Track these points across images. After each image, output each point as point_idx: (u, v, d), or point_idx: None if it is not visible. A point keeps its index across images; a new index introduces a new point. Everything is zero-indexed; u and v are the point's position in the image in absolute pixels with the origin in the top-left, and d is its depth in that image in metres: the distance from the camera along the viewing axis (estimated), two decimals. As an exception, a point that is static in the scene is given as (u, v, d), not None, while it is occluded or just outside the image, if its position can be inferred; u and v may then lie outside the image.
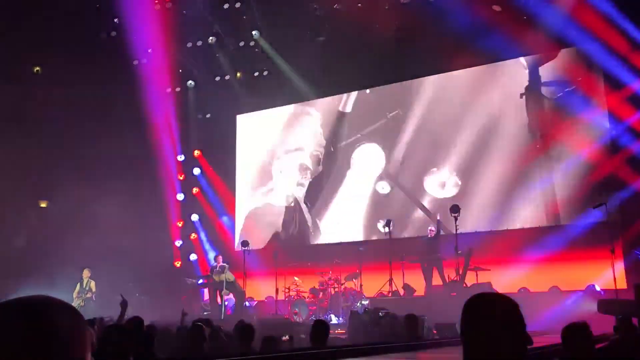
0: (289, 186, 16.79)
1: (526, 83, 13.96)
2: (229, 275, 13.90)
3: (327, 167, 16.29)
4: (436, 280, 12.27)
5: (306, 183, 16.54)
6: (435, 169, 14.54)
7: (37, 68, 16.84)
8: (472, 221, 13.32)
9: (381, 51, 14.85)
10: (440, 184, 14.33)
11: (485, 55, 13.65)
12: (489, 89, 14.41)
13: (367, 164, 15.53)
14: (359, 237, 15.12)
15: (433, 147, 14.76)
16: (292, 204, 16.62)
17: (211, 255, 16.71)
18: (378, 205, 15.12)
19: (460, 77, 14.87)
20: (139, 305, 13.78)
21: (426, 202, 14.54)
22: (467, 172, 14.20)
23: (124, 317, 6.37)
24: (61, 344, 0.99)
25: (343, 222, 15.47)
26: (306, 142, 16.78)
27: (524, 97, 13.66)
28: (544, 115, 13.70)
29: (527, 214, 13.38)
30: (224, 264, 14.27)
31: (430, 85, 15.25)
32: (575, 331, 3.85)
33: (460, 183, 14.13)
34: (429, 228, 12.94)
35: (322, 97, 16.49)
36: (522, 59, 14.07)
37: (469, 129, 14.28)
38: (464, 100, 14.63)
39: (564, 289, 11.57)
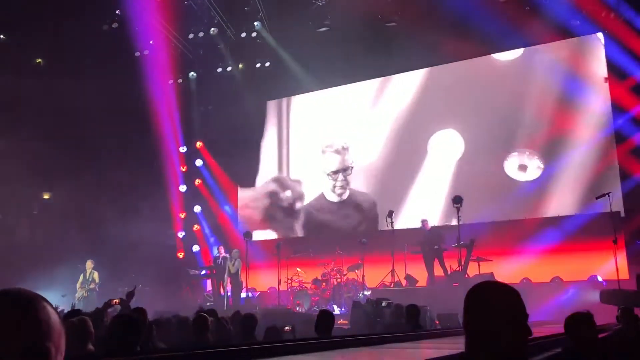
0: (307, 178, 16.79)
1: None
2: (237, 264, 13.95)
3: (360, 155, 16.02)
4: (437, 272, 12.28)
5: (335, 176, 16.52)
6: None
7: (39, 60, 16.82)
8: (474, 212, 13.27)
9: (383, 40, 14.80)
10: (521, 167, 13.81)
11: (483, 44, 13.65)
12: (490, 81, 14.39)
13: (447, 149, 14.70)
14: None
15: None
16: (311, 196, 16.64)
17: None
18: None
19: (442, 70, 14.86)
20: (142, 296, 13.85)
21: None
22: (472, 161, 14.19)
23: (129, 306, 6.39)
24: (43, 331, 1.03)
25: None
26: (320, 132, 16.75)
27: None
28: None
29: (529, 205, 13.35)
30: (226, 255, 14.30)
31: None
32: (579, 321, 3.85)
33: (542, 166, 13.47)
34: (422, 220, 12.88)
35: (324, 88, 16.45)
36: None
37: (476, 117, 14.29)
38: (466, 89, 14.61)
39: (566, 279, 11.58)
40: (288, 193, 16.75)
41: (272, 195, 16.99)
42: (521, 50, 14.19)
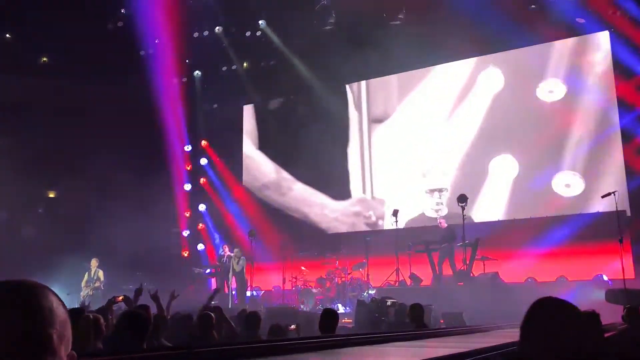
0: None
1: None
2: (241, 263, 13.96)
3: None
4: (446, 271, 12.23)
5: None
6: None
7: (45, 59, 16.87)
8: (480, 211, 13.25)
9: (388, 38, 14.77)
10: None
11: (493, 42, 13.60)
12: (490, 82, 14.34)
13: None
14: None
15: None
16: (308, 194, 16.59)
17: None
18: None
19: (453, 68, 14.80)
20: (147, 294, 13.86)
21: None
22: (479, 163, 14.14)
23: (136, 303, 6.39)
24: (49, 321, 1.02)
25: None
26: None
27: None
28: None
29: (534, 204, 13.29)
30: (231, 254, 14.31)
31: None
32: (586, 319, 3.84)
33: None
34: (439, 220, 12.85)
35: (330, 86, 16.40)
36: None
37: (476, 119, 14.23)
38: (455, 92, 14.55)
39: (571, 279, 11.53)
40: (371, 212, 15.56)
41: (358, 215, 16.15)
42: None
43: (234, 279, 14.10)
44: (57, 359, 1.01)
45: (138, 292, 6.84)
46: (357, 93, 14.93)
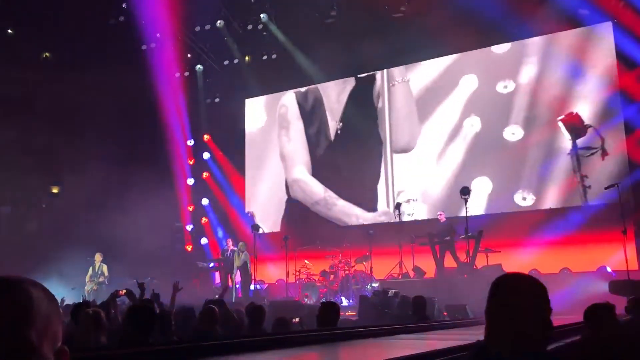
0: (290, 151, 16.69)
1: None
2: (243, 257, 13.99)
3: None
4: (448, 263, 12.24)
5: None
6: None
7: (47, 54, 16.87)
8: (483, 203, 13.22)
9: (390, 31, 14.73)
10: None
11: (490, 34, 13.54)
12: (494, 70, 14.29)
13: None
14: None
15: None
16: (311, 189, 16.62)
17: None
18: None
19: (458, 60, 14.73)
20: (151, 288, 13.92)
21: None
22: (479, 155, 14.12)
23: (143, 297, 6.42)
24: (39, 317, 0.97)
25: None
26: (318, 124, 16.70)
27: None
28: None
29: (538, 196, 13.26)
30: (234, 248, 14.35)
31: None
32: (601, 310, 3.85)
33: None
34: (438, 213, 12.87)
35: (331, 80, 16.39)
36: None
37: (477, 113, 14.18)
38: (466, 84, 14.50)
39: (575, 270, 11.53)
40: (297, 185, 16.63)
41: (281, 188, 16.96)
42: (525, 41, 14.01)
43: (237, 273, 14.14)
44: (38, 358, 0.94)
45: (141, 286, 6.87)
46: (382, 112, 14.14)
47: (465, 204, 11.45)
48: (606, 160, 12.55)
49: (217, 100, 18.19)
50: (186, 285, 14.53)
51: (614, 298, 7.92)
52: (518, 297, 1.74)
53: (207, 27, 16.68)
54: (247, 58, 17.46)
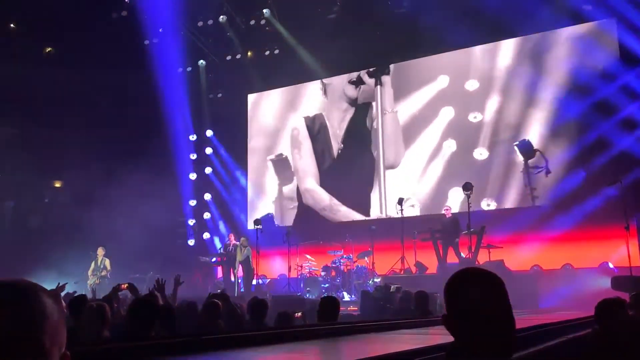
0: (302, 165, 16.80)
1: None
2: (245, 252, 14.02)
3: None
4: (450, 259, 12.25)
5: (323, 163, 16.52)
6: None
7: (50, 49, 16.88)
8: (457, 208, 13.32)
9: (392, 27, 14.72)
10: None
11: (497, 30, 13.51)
12: (494, 65, 14.27)
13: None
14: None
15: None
16: (306, 184, 16.65)
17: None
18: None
19: (463, 54, 14.75)
20: (154, 283, 13.95)
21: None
22: (454, 170, 14.13)
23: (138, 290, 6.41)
24: (49, 324, 1.00)
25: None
26: (323, 145, 16.72)
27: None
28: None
29: (498, 202, 13.32)
30: (237, 242, 14.37)
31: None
32: (612, 305, 3.86)
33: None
34: (444, 208, 12.87)
35: (334, 75, 16.37)
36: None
37: (479, 106, 14.20)
38: (473, 76, 14.51)
39: (577, 266, 11.54)
40: (299, 180, 16.73)
41: (282, 183, 16.99)
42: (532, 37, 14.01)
43: (239, 267, 14.17)
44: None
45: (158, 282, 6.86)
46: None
47: (468, 200, 11.46)
48: (609, 157, 12.53)
49: (219, 95, 18.19)
50: (188, 280, 14.63)
51: (616, 294, 7.93)
52: (467, 296, 1.59)
53: (210, 22, 16.68)
54: (249, 53, 17.46)
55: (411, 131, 14.19)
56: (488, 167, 12.99)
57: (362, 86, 15.49)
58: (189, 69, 17.76)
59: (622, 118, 12.62)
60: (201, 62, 17.77)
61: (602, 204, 11.98)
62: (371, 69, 15.49)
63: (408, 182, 14.28)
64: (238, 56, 17.36)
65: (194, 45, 17.28)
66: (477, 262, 11.49)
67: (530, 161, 11.62)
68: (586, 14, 13.05)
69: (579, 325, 4.43)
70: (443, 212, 12.85)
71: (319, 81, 16.60)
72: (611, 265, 11.00)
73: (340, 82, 16.11)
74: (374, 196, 15.20)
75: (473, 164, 13.02)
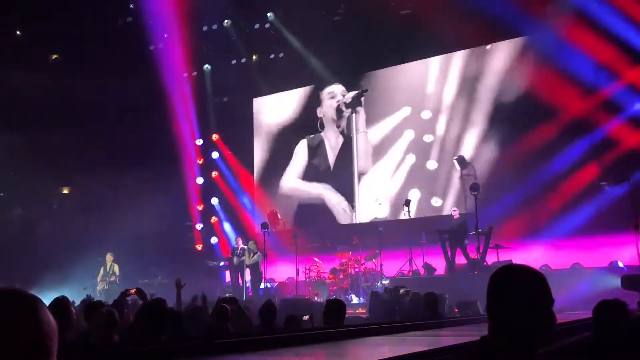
0: (311, 169, 16.83)
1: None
2: (255, 258, 14.00)
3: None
4: (458, 260, 12.22)
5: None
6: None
7: (55, 56, 16.98)
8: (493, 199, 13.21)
9: (397, 29, 14.74)
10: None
11: (502, 31, 13.49)
12: (502, 65, 14.25)
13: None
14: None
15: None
16: (314, 187, 16.68)
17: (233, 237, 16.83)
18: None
19: (473, 55, 14.75)
20: (161, 288, 13.99)
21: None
22: (485, 149, 14.11)
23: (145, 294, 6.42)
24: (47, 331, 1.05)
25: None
26: (325, 122, 16.79)
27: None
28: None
29: (443, 201, 13.34)
30: (244, 246, 14.39)
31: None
32: (609, 308, 3.81)
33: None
34: (452, 209, 12.87)
35: (339, 77, 16.38)
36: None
37: (431, 129, 14.96)
38: (480, 76, 14.50)
39: (586, 266, 11.47)
40: (306, 184, 16.78)
41: (289, 186, 17.03)
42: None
43: (247, 271, 14.18)
44: None
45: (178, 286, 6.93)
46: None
47: (475, 201, 11.44)
48: (617, 155, 12.47)
49: (225, 99, 18.23)
50: (197, 285, 14.63)
51: (626, 293, 7.88)
52: (517, 290, 1.70)
53: (214, 26, 16.73)
54: (254, 57, 17.49)
55: (382, 147, 15.89)
56: (437, 174, 14.82)
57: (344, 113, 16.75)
58: (194, 73, 17.80)
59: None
60: (206, 66, 17.82)
61: (611, 203, 11.91)
62: (347, 102, 16.49)
63: (379, 186, 15.76)
64: (243, 60, 17.40)
65: (199, 50, 17.32)
66: (485, 263, 11.46)
67: (464, 170, 13.31)
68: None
69: (584, 326, 4.39)
70: (451, 213, 12.84)
71: (323, 86, 16.68)
72: (621, 264, 10.92)
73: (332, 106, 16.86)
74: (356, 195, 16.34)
75: (426, 173, 14.92)
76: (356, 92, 16.12)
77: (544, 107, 13.08)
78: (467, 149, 14.45)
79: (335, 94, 16.69)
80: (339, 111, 16.65)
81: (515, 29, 13.55)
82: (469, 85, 14.82)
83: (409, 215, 12.77)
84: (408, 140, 15.38)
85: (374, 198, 15.13)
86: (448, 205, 14.27)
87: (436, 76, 15.35)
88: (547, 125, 13.19)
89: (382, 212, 15.41)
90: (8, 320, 1.01)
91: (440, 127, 14.99)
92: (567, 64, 13.04)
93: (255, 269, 13.99)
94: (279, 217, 16.02)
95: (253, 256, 14.04)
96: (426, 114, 15.20)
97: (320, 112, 16.91)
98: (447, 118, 14.90)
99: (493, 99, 14.39)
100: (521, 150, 13.27)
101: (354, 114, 16.36)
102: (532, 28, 13.41)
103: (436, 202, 14.66)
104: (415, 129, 15.32)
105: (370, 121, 16.15)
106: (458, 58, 15.12)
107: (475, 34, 13.62)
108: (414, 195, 14.66)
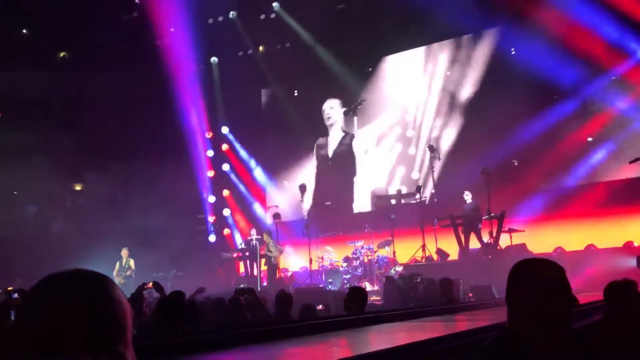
0: (319, 158, 16.86)
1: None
2: (274, 252, 14.04)
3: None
4: (471, 244, 12.18)
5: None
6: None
7: (63, 53, 17.04)
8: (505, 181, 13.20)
9: (403, 16, 14.66)
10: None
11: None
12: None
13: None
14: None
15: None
16: (321, 175, 16.72)
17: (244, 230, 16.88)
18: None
19: (482, 40, 14.66)
20: (177, 280, 14.10)
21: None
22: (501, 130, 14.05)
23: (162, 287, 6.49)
24: (120, 312, 1.05)
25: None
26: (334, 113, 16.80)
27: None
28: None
29: (560, 171, 13.15)
30: (259, 237, 14.45)
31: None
32: (620, 288, 3.79)
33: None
34: (465, 193, 12.77)
35: (345, 65, 16.30)
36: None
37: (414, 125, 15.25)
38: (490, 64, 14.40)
39: (600, 246, 11.40)
40: (316, 173, 16.82)
41: (302, 175, 17.07)
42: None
43: (262, 261, 14.26)
44: (129, 349, 1.05)
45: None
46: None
47: (487, 184, 11.40)
48: (632, 133, 12.36)
49: (233, 91, 18.21)
50: (212, 276, 14.73)
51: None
52: (540, 281, 1.78)
53: (220, 18, 16.70)
54: (261, 48, 17.46)
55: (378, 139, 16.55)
56: (415, 158, 15.74)
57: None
58: (201, 66, 17.80)
59: None
60: (213, 59, 17.81)
61: (624, 182, 11.83)
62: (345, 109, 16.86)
63: (375, 171, 16.50)
64: (250, 51, 17.37)
65: (205, 43, 17.29)
66: (499, 247, 11.43)
67: (432, 154, 13.77)
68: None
69: (597, 308, 4.37)
70: (463, 197, 12.76)
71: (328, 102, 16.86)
72: (636, 244, 10.86)
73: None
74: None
75: (409, 156, 15.79)
76: (354, 104, 16.35)
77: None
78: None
79: (333, 106, 17.11)
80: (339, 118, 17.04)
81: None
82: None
83: (420, 200, 12.76)
84: (396, 134, 16.17)
85: (417, 186, 14.87)
86: (423, 174, 15.52)
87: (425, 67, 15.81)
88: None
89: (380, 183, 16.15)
90: (85, 300, 1.01)
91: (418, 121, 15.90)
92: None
93: (269, 259, 14.05)
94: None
95: (273, 249, 14.00)
96: (410, 117, 16.02)
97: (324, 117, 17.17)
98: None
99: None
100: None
101: (354, 117, 16.59)
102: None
103: (415, 175, 15.58)
104: (401, 126, 16.14)
105: (363, 124, 16.52)
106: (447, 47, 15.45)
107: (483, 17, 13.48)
108: (400, 173, 15.95)
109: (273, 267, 14.01)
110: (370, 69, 16.27)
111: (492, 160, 12.52)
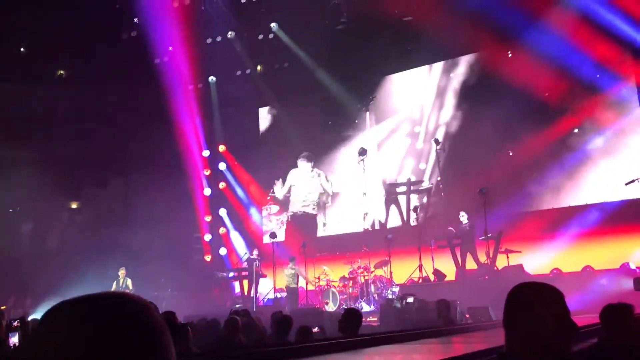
0: (317, 179, 16.87)
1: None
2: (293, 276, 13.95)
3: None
4: (468, 265, 12.17)
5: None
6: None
7: (61, 72, 17.11)
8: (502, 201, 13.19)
9: (401, 36, 14.77)
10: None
11: (505, 38, 13.51)
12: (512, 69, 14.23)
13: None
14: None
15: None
16: (322, 196, 16.70)
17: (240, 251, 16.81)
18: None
19: (478, 59, 14.77)
20: (172, 300, 14.00)
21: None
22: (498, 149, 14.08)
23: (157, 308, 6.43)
24: (163, 340, 1.02)
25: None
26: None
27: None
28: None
29: (557, 193, 13.18)
30: (256, 258, 14.38)
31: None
32: (616, 312, 3.77)
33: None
34: (461, 214, 12.77)
35: (344, 85, 16.39)
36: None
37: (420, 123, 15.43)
38: (487, 79, 14.49)
39: (597, 268, 11.37)
40: (314, 194, 16.83)
41: (297, 197, 17.06)
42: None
43: (260, 281, 14.16)
44: None
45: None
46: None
47: (484, 205, 11.40)
48: (625, 155, 12.44)
49: (231, 110, 18.27)
50: (207, 297, 14.63)
51: (639, 295, 7.82)
52: (539, 306, 1.77)
53: (218, 38, 16.81)
54: (259, 67, 17.55)
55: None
56: (422, 150, 15.83)
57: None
58: (199, 85, 17.87)
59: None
60: (211, 78, 17.88)
61: (620, 204, 11.84)
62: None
63: (385, 163, 16.49)
64: (248, 71, 17.47)
65: (203, 62, 17.39)
66: (495, 268, 11.40)
67: (438, 147, 14.24)
68: None
69: (594, 331, 4.34)
70: (459, 218, 12.76)
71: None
72: (633, 266, 10.84)
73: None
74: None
75: (416, 149, 15.97)
76: (365, 101, 16.53)
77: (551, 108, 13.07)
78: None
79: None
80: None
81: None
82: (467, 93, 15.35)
83: (417, 222, 12.74)
84: (406, 131, 16.29)
85: (414, 206, 15.38)
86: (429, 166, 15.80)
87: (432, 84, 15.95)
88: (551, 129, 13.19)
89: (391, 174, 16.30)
90: (132, 325, 0.95)
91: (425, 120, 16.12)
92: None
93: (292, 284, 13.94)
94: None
95: (295, 274, 13.91)
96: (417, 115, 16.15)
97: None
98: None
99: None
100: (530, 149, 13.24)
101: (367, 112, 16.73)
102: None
103: (423, 168, 15.79)
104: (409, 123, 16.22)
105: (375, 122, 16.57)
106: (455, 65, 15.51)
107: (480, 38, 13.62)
108: (409, 164, 16.15)
109: (295, 293, 13.83)
110: (372, 97, 16.41)
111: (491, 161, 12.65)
